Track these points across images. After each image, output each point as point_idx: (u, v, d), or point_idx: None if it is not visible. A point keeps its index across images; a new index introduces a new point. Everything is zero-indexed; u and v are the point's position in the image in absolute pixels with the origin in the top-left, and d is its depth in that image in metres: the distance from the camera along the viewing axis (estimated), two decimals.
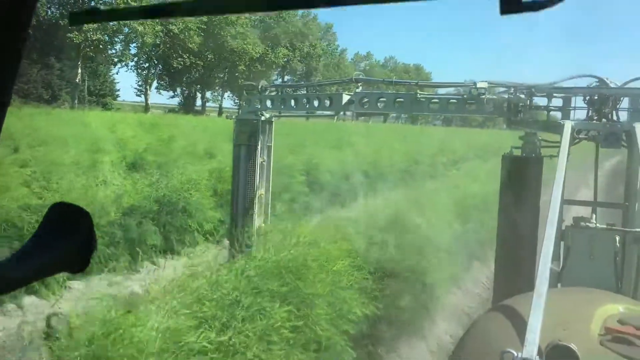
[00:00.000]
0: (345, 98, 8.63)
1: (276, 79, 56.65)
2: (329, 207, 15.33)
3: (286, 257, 7.50)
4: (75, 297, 8.57)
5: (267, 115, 9.85)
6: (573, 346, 2.38)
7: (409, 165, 22.57)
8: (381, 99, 8.43)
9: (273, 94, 9.79)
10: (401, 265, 9.28)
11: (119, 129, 18.55)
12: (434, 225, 11.19)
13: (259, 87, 9.75)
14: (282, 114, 10.32)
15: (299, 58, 58.25)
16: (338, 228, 9.89)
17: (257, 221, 9.77)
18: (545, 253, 3.59)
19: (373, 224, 10.41)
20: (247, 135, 9.61)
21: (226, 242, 11.00)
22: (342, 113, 8.86)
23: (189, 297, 6.22)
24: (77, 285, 9.87)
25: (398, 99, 8.24)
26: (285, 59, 55.59)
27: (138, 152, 15.91)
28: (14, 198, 10.34)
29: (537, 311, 2.80)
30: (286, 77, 59.91)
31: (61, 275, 8.30)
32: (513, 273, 6.26)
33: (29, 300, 9.11)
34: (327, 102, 8.83)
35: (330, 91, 9.30)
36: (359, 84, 8.73)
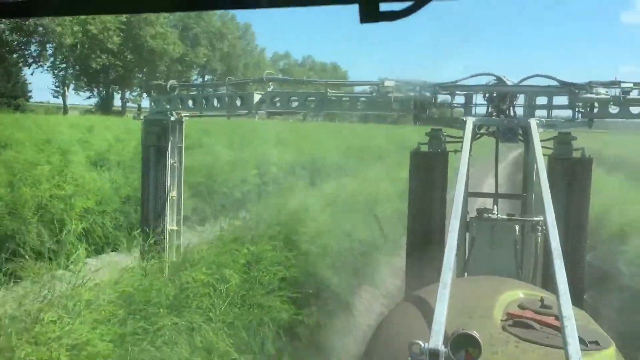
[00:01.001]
0: (257, 97, 8.56)
1: (196, 79, 55.91)
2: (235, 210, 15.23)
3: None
4: None
5: (177, 116, 9.60)
6: (475, 333, 2.49)
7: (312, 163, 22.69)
8: (293, 98, 8.45)
9: (193, 93, 9.57)
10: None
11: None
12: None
13: (168, 86, 9.48)
14: (194, 115, 10.10)
15: (218, 58, 57.81)
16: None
17: (169, 225, 9.50)
18: (449, 245, 3.74)
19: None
20: (156, 136, 9.32)
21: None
22: (255, 112, 8.77)
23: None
24: None
25: (309, 98, 8.29)
26: (205, 59, 55.06)
27: None
28: None
29: (442, 302, 2.90)
30: (207, 77, 59.15)
31: None
32: (423, 265, 6.47)
33: None
34: (239, 102, 8.74)
35: (251, 90, 9.14)
36: (271, 83, 8.69)
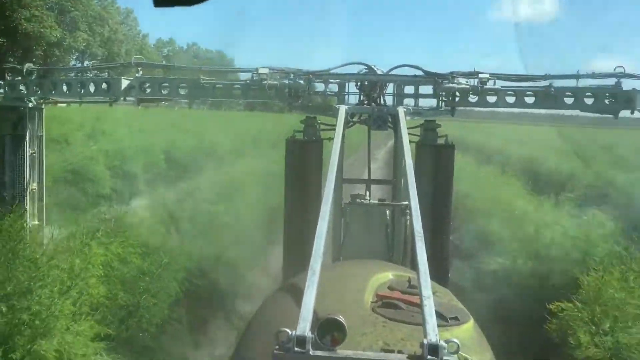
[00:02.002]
0: (125, 83, 8.13)
1: (75, 64, 52.45)
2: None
3: None
4: None
5: (37, 102, 8.87)
6: (340, 318, 2.52)
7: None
8: (164, 84, 8.12)
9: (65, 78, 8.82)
10: None
11: None
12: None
13: (24, 69, 8.70)
14: (56, 100, 9.39)
15: (99, 43, 54.64)
16: None
17: (29, 220, 8.79)
18: (319, 232, 3.77)
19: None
20: (11, 125, 8.55)
21: None
22: (123, 98, 8.31)
23: None
24: None
25: (181, 85, 8.01)
26: (85, 44, 51.81)
27: None
28: None
29: (310, 288, 2.92)
30: (86, 63, 55.62)
31: None
32: (300, 252, 6.52)
33: None
34: (105, 87, 8.25)
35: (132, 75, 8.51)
36: (140, 68, 8.27)
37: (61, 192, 12.91)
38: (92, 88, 8.38)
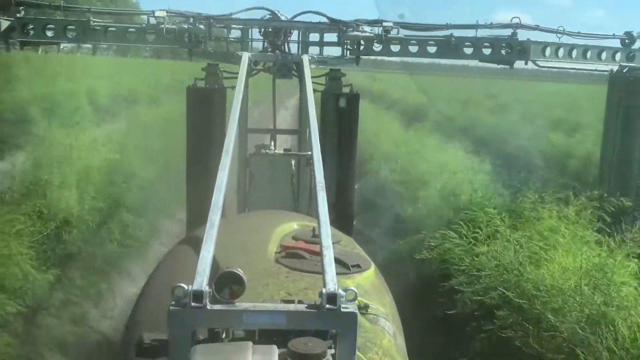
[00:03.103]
0: (5, 24, 7.37)
1: None
2: None
3: None
4: None
5: None
6: (238, 270, 2.45)
7: None
8: (49, 26, 7.44)
9: None
10: None
11: None
12: None
13: None
14: None
15: None
16: None
17: None
18: (218, 183, 3.64)
19: None
20: None
21: None
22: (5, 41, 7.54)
23: None
24: None
25: (69, 27, 7.38)
26: None
27: None
28: None
29: (208, 241, 2.81)
30: None
31: None
32: (203, 204, 6.34)
33: None
34: None
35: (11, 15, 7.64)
36: (21, 8, 7.52)
37: None
38: None
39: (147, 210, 10.47)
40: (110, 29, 7.37)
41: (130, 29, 7.44)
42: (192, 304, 2.35)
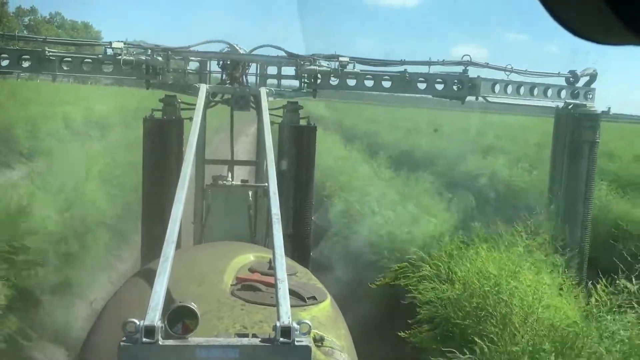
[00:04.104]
0: None
1: None
2: None
3: None
4: None
5: None
6: (192, 305, 2.45)
7: None
8: (3, 55, 7.33)
9: None
10: None
11: None
12: None
13: None
14: None
15: None
16: None
17: None
18: (174, 216, 3.63)
19: None
20: None
21: None
22: None
23: None
24: None
25: (24, 56, 7.29)
26: None
27: None
28: None
29: (162, 275, 2.81)
30: None
31: None
32: (158, 237, 6.28)
33: None
34: None
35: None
36: None
37: None
38: None
39: None
40: (65, 59, 7.31)
41: (86, 60, 7.39)
42: (144, 339, 2.34)
